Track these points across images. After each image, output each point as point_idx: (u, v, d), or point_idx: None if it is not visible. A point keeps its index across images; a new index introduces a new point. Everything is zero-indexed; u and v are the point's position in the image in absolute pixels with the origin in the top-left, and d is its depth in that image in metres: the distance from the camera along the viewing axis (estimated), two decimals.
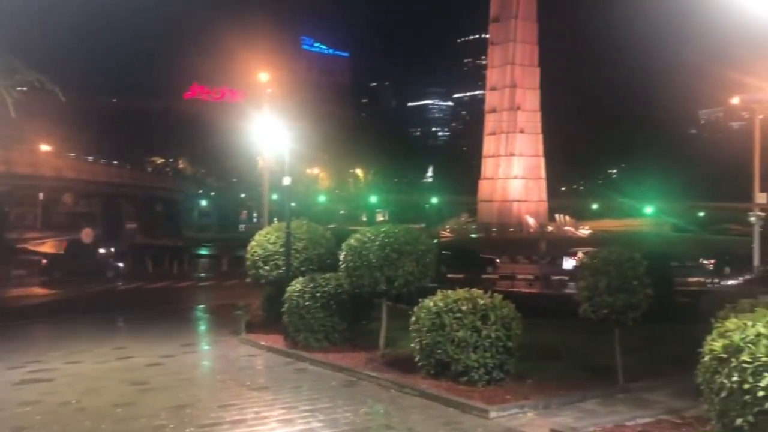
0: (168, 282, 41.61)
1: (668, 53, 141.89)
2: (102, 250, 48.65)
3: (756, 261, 39.82)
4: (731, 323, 7.71)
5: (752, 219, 41.57)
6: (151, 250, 55.31)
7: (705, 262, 46.34)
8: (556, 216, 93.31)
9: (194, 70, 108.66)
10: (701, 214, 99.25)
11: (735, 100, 52.14)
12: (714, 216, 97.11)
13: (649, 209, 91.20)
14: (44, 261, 45.48)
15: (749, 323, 7.47)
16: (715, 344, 7.54)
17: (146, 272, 47.01)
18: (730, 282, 34.72)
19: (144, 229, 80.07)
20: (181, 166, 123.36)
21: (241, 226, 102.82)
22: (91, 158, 77.62)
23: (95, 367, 15.82)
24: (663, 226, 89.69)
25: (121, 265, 46.15)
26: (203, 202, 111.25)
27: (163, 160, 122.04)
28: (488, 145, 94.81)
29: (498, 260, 50.76)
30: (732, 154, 79.69)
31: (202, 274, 47.95)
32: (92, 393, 13.10)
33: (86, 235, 46.31)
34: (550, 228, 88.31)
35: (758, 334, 7.20)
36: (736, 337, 7.34)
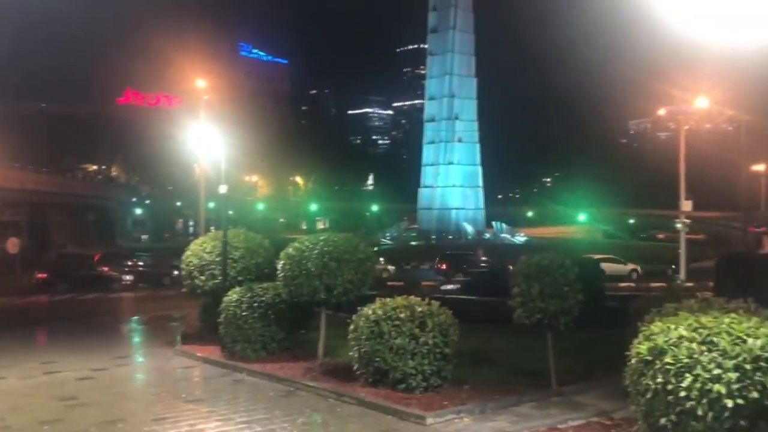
0: (101, 292, 40.36)
1: (601, 65, 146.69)
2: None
3: (682, 266, 41.53)
4: (656, 326, 8.04)
5: (678, 226, 43.32)
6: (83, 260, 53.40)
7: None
8: (493, 223, 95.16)
9: (128, 75, 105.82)
10: (631, 221, 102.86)
11: (662, 112, 54.29)
12: (644, 223, 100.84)
13: (582, 216, 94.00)
14: None
15: (672, 326, 7.80)
16: (640, 347, 7.85)
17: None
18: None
19: (75, 238, 77.33)
20: (114, 173, 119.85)
21: (166, 235, 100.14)
22: (17, 165, 74.51)
23: (21, 383, 15.17)
24: (595, 232, 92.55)
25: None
26: (138, 211, 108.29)
27: (95, 167, 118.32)
28: (427, 153, 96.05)
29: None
30: (660, 163, 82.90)
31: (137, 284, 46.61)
32: (17, 410, 12.55)
33: (12, 245, 44.45)
34: (487, 235, 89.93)
35: (680, 337, 7.53)
36: (660, 339, 7.66)
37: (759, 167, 59.80)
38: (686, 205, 42.45)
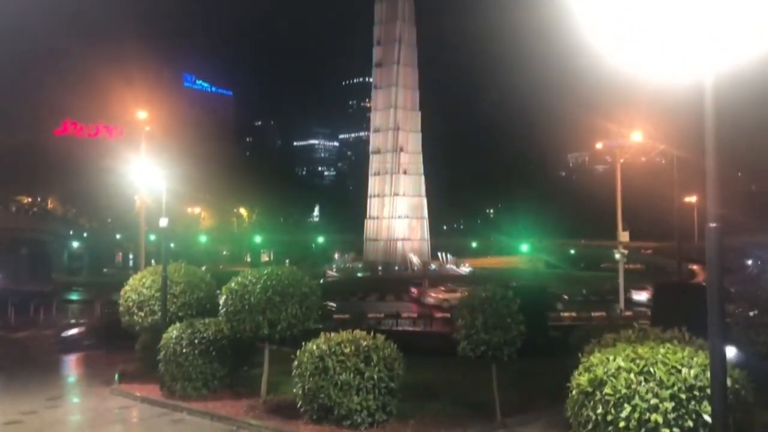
0: (33, 330, 38.64)
1: (541, 99, 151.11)
2: None
3: (621, 295, 42.56)
4: (595, 358, 8.19)
5: (617, 256, 44.48)
6: (15, 296, 51.22)
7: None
8: (439, 254, 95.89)
9: (67, 105, 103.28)
10: (572, 251, 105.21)
11: (599, 145, 56.14)
12: (583, 253, 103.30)
13: (524, 247, 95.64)
14: None
15: (611, 357, 7.96)
16: (581, 379, 7.96)
17: (8, 320, 43.41)
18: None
19: (7, 273, 74.17)
20: (50, 206, 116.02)
21: (105, 270, 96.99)
22: None
23: None
24: (537, 263, 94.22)
25: None
26: (75, 244, 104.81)
27: (29, 199, 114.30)
28: (373, 185, 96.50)
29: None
30: (598, 195, 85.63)
31: (73, 321, 44.90)
32: None
33: None
34: (433, 266, 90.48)
35: (619, 368, 7.68)
36: (600, 371, 7.80)
37: (691, 199, 62.30)
38: (623, 236, 43.69)
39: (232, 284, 14.87)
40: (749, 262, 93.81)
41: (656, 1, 5.24)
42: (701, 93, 5.76)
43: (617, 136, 50.10)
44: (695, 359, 7.56)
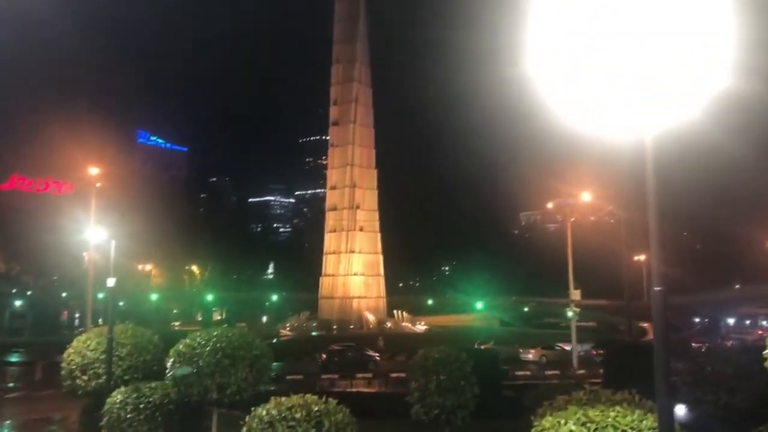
0: None
1: (495, 159, 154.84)
2: None
3: (574, 352, 42.88)
4: (547, 421, 8.17)
5: (569, 314, 45.04)
6: None
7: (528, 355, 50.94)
8: (395, 312, 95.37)
9: (16, 160, 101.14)
10: (526, 309, 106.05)
11: (550, 205, 57.51)
12: (536, 311, 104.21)
13: (479, 304, 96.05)
14: None
15: (562, 421, 7.95)
16: None
17: None
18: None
19: None
20: None
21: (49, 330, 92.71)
22: None
23: None
24: (492, 320, 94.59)
25: None
26: (17, 302, 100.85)
27: None
28: (329, 242, 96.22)
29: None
30: (550, 253, 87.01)
31: (11, 384, 42.85)
32: None
33: None
34: (388, 324, 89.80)
35: None
36: None
37: (640, 257, 63.87)
38: (575, 294, 44.40)
39: (181, 346, 14.48)
40: (696, 319, 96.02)
41: (597, 62, 5.49)
42: (642, 152, 5.99)
43: (567, 196, 51.52)
44: (644, 422, 7.61)
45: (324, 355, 50.30)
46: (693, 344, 53.16)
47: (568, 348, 49.63)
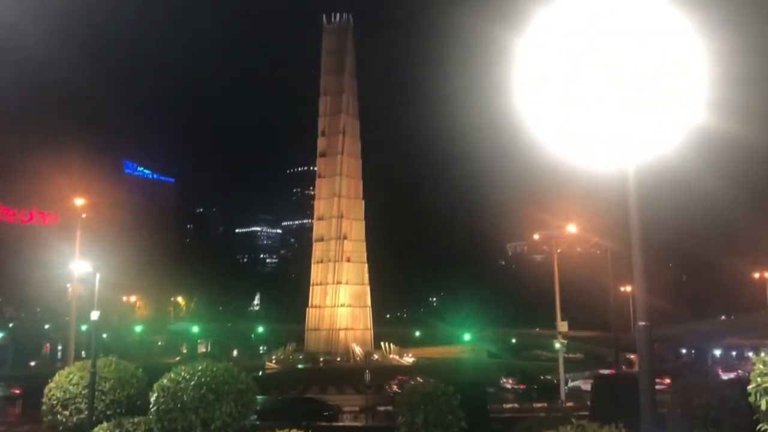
0: None
1: (484, 191, 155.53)
2: None
3: (562, 384, 42.68)
4: None
5: (557, 345, 44.92)
6: None
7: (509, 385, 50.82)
8: (382, 344, 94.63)
9: None
10: (513, 340, 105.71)
11: (536, 236, 57.78)
12: (524, 342, 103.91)
13: (467, 336, 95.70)
14: None
15: None
16: None
17: None
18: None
19: None
20: None
21: (32, 363, 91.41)
22: None
23: None
24: (479, 352, 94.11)
25: None
26: None
27: None
28: (316, 273, 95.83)
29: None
30: (536, 284, 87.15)
31: None
32: None
33: None
34: (375, 356, 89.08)
35: None
36: None
37: (626, 289, 64.03)
38: (562, 326, 44.34)
39: (165, 381, 14.31)
40: (683, 351, 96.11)
41: (583, 96, 5.62)
42: (625, 183, 6.10)
43: (554, 227, 51.78)
44: None
45: None
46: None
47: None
